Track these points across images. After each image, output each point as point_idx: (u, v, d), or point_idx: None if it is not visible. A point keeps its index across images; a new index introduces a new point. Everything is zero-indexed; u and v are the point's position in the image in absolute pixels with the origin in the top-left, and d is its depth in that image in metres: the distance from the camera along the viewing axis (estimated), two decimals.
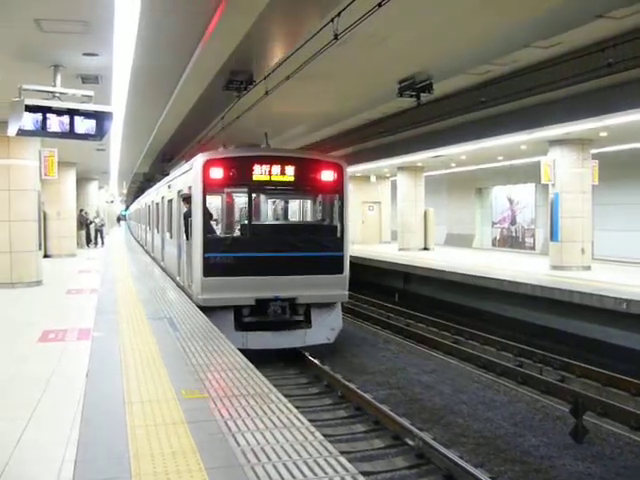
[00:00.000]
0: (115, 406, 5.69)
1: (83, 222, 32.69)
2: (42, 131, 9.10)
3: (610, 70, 10.88)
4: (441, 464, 7.89)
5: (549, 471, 8.02)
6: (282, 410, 5.62)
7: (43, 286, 16.04)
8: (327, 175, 13.65)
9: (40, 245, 16.78)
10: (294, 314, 13.29)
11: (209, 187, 13.28)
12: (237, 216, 15.45)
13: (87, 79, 10.36)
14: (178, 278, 15.78)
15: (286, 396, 6.25)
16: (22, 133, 9.17)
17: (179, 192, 15.78)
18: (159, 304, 12.34)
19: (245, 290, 12.90)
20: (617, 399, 10.76)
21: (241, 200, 14.92)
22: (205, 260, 13.00)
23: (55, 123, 9.06)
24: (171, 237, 17.64)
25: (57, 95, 9.29)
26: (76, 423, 5.45)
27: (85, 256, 26.86)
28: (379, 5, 7.54)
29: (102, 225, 37.09)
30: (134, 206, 52.41)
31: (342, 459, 4.44)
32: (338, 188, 13.79)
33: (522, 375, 12.22)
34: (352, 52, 11.04)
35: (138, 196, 47.19)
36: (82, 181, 32.55)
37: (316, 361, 12.76)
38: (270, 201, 16.27)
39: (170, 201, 17.93)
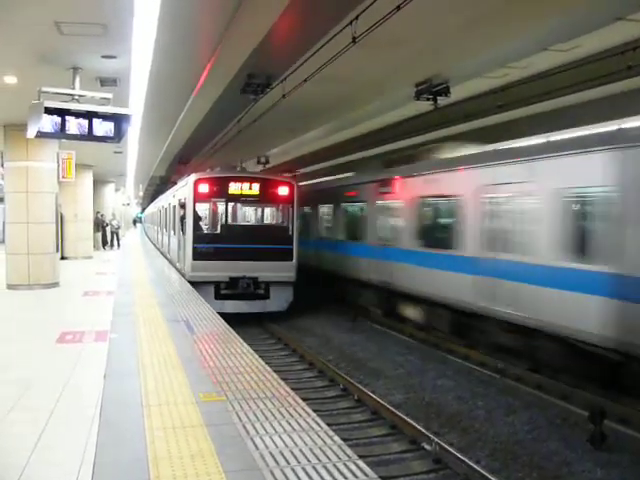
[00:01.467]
0: (133, 408, 5.70)
1: (99, 224, 32.86)
2: (61, 133, 9.14)
3: (630, 73, 10.79)
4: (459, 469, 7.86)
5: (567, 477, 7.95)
6: (300, 413, 5.60)
7: (60, 288, 16.13)
8: (282, 190, 18.69)
9: (57, 247, 16.87)
10: (257, 289, 17.90)
11: (198, 198, 18.29)
12: (218, 218, 19.49)
13: (105, 82, 10.41)
14: (178, 264, 20.55)
15: (302, 399, 6.23)
16: (41, 135, 9.22)
17: (179, 200, 20.69)
18: (176, 306, 12.36)
19: (222, 270, 17.64)
20: None
21: (221, 207, 19.18)
22: (194, 249, 17.99)
23: (74, 125, 9.10)
24: (174, 234, 22.34)
25: (76, 97, 9.34)
26: (94, 425, 5.46)
27: (101, 258, 27.02)
28: (398, 8, 7.52)
29: (118, 227, 37.25)
30: (149, 210, 58.01)
31: (361, 463, 4.42)
32: (290, 199, 18.75)
33: None
34: (370, 55, 11.02)
35: (154, 199, 48.37)
36: (99, 183, 32.71)
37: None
38: (242, 208, 21.26)
39: (174, 207, 22.52)
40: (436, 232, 15.25)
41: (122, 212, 54.26)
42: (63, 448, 5.20)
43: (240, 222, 20.72)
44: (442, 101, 14.05)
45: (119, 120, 9.34)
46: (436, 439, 8.48)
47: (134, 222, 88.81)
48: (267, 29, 9.86)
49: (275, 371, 7.56)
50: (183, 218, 19.02)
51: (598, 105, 14.40)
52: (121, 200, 54.40)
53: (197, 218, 18.58)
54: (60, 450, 5.17)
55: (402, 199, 16.42)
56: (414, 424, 9.14)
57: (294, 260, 18.33)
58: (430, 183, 15.20)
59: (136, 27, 7.86)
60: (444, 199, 14.75)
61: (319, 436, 5.02)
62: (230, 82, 13.37)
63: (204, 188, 18.20)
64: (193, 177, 18.46)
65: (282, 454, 4.61)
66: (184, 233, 18.71)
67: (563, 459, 8.37)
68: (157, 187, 48.35)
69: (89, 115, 9.15)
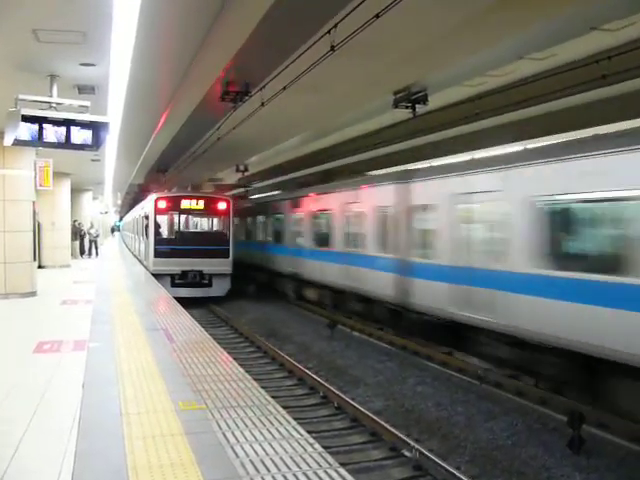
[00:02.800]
0: (112, 418, 5.65)
1: (77, 233, 32.64)
2: (38, 141, 9.07)
3: (604, 82, 10.91)
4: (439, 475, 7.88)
5: None
6: (280, 421, 5.60)
7: (37, 297, 15.99)
8: (221, 205, 24.78)
9: (34, 256, 16.72)
10: (202, 279, 23.37)
11: (158, 212, 24.26)
12: (173, 226, 24.83)
13: (83, 89, 10.37)
14: (144, 262, 26.55)
15: (282, 407, 6.23)
16: (18, 143, 9.15)
17: (145, 213, 27.09)
18: (154, 315, 12.31)
19: (176, 265, 23.25)
20: None
21: (175, 218, 24.84)
22: (155, 249, 23.75)
23: (51, 133, 9.04)
24: (142, 239, 28.60)
25: (53, 105, 9.28)
26: (73, 435, 5.42)
27: (79, 267, 26.83)
28: (377, 16, 7.56)
29: (97, 236, 37.04)
30: (126, 219, 64.69)
31: (342, 471, 4.42)
32: (227, 212, 24.74)
33: None
34: (348, 63, 11.05)
35: (132, 207, 49.52)
36: (76, 192, 32.53)
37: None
38: (191, 219, 25.74)
39: (142, 218, 28.66)
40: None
41: (100, 220, 53.87)
42: (41, 458, 5.16)
43: (190, 229, 25.66)
44: (420, 109, 14.10)
45: (97, 128, 9.29)
46: (416, 446, 8.50)
47: (112, 230, 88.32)
48: (246, 37, 9.86)
49: (255, 379, 7.56)
50: (147, 227, 25.34)
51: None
52: (99, 208, 54.05)
53: (157, 226, 24.39)
54: (38, 460, 5.13)
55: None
56: (394, 431, 9.16)
57: (230, 257, 24.12)
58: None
59: (115, 35, 7.84)
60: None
61: (299, 444, 5.01)
62: (209, 90, 13.34)
63: (162, 204, 24.37)
64: (154, 196, 24.99)
65: (263, 462, 4.60)
66: (148, 238, 24.91)
67: (542, 464, 8.43)
68: (135, 195, 48.04)
69: (67, 123, 9.09)
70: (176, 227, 24.80)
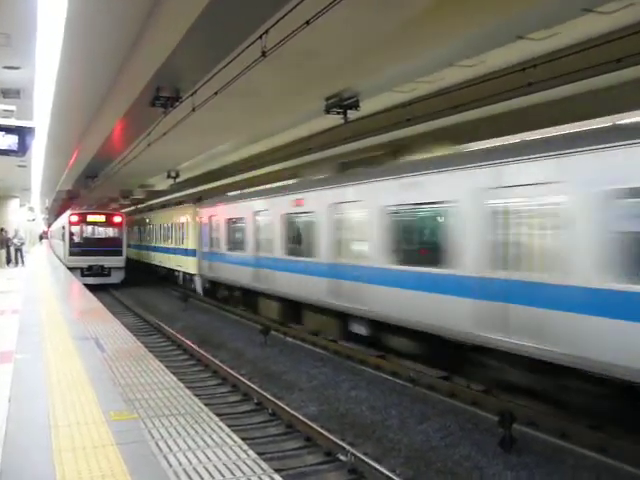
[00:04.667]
0: (40, 431, 5.52)
1: (3, 242, 31.72)
2: None
3: (530, 89, 11.18)
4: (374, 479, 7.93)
5: None
6: (214, 429, 5.55)
7: None
8: (117, 218, 35.08)
9: None
10: (103, 271, 32.90)
11: (71, 224, 34.20)
12: (82, 233, 34.42)
13: (8, 93, 10.11)
14: (63, 260, 35.31)
15: (216, 415, 6.18)
16: None
17: (62, 224, 37.57)
18: (85, 324, 12.05)
19: (84, 261, 32.65)
20: None
21: (84, 228, 34.53)
22: (70, 250, 33.69)
23: None
24: (61, 242, 38.52)
25: None
26: None
27: (5, 276, 26.06)
28: (307, 23, 7.59)
29: (22, 244, 36.05)
30: (52, 227, 72.23)
31: (277, 477, 4.41)
32: (122, 223, 35.00)
33: None
34: (280, 69, 11.06)
35: (60, 214, 49.95)
36: (2, 198, 31.85)
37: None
38: (95, 228, 35.06)
39: (61, 227, 38.80)
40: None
41: (27, 228, 52.50)
42: None
43: (94, 236, 34.81)
44: (352, 115, 14.20)
45: (23, 133, 9.10)
46: (351, 450, 8.53)
47: (40, 238, 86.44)
48: (176, 42, 9.77)
49: (188, 387, 7.48)
50: (64, 234, 35.07)
51: None
52: (26, 216, 52.67)
53: (71, 234, 34.07)
54: None
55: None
56: (329, 436, 9.18)
57: (123, 256, 34.14)
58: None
59: (40, 37, 7.68)
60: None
61: (233, 451, 4.98)
62: (139, 95, 13.15)
63: (74, 218, 34.36)
64: (68, 212, 35.84)
65: (196, 470, 4.56)
66: (64, 241, 34.81)
67: (475, 464, 8.58)
68: (63, 202, 47.03)
69: None
70: (85, 234, 34.54)
